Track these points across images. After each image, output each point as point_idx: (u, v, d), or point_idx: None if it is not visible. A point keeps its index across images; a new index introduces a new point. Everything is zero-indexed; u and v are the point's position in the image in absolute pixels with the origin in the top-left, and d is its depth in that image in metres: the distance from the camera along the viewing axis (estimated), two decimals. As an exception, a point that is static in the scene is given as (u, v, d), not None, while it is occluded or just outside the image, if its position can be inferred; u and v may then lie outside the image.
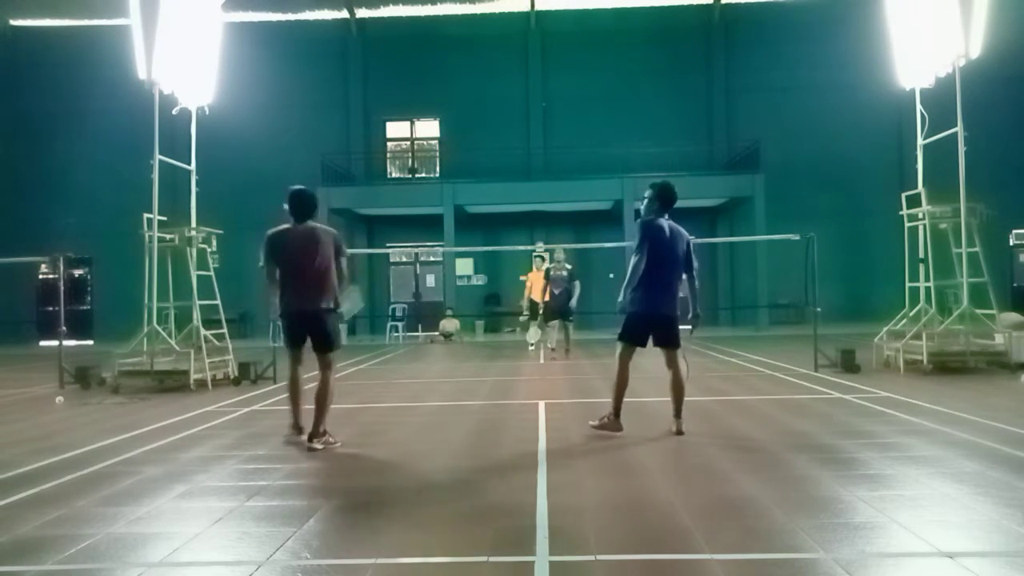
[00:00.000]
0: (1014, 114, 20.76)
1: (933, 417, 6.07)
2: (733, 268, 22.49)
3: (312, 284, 5.30)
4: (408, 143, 24.14)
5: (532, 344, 14.15)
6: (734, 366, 10.88)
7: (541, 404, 7.33)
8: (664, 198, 5.62)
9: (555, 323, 12.84)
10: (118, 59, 13.02)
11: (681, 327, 5.73)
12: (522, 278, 14.72)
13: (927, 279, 10.02)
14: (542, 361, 12.30)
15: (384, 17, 23.61)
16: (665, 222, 5.57)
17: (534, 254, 14.79)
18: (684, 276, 5.67)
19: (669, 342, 5.67)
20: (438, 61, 23.04)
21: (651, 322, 5.58)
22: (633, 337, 5.64)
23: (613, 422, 5.62)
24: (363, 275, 23.47)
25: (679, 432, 5.55)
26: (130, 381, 9.27)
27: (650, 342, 5.73)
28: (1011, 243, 22.11)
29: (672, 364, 5.70)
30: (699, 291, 5.80)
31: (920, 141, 10.30)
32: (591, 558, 3.01)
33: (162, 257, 9.66)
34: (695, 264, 5.70)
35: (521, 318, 14.76)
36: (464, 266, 22.76)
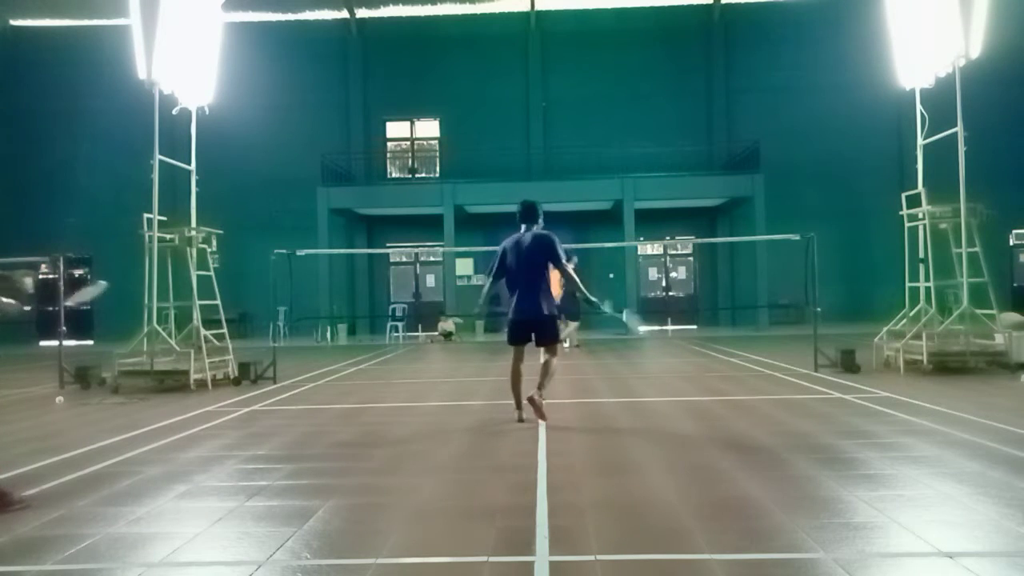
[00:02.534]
0: (1014, 114, 20.76)
1: (933, 417, 6.07)
2: (733, 268, 22.49)
3: None
4: (408, 143, 24.14)
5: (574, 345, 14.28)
6: (734, 366, 10.88)
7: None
8: (522, 214, 6.31)
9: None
10: (118, 59, 13.02)
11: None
12: None
13: (927, 279, 10.01)
14: (542, 360, 12.28)
15: (384, 17, 23.61)
16: (522, 234, 6.23)
17: None
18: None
19: (542, 340, 6.25)
20: (438, 61, 23.04)
21: (525, 326, 6.19)
22: (511, 340, 6.28)
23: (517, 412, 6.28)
24: (363, 275, 23.51)
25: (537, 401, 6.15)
26: (130, 381, 9.27)
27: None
28: (1011, 243, 22.11)
29: (548, 355, 6.31)
30: (578, 282, 6.46)
31: (920, 141, 10.30)
32: (591, 558, 3.01)
33: (162, 257, 9.66)
34: (563, 259, 6.19)
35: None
36: (464, 266, 22.75)
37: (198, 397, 8.45)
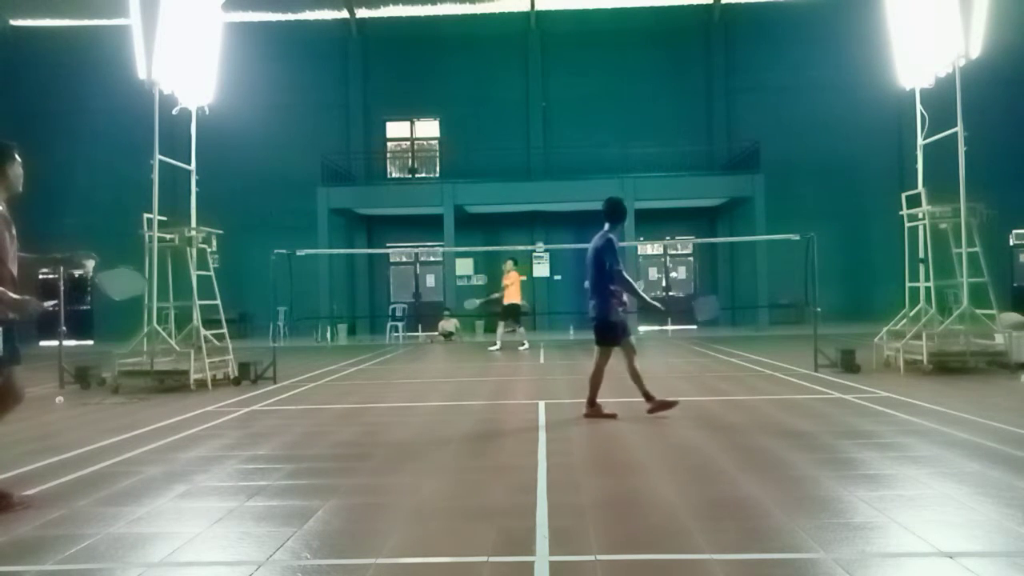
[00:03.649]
0: (1014, 114, 20.75)
1: (933, 417, 6.07)
2: (733, 268, 22.49)
3: None
4: (408, 143, 24.14)
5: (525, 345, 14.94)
6: (734, 366, 10.88)
7: (541, 404, 7.33)
8: (606, 213, 6.42)
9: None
10: (118, 59, 13.03)
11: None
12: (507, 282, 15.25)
13: (927, 279, 10.01)
14: (542, 361, 12.30)
15: (384, 17, 23.61)
16: (596, 236, 6.38)
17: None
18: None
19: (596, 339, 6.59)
20: (438, 61, 23.04)
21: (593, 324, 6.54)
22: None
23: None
24: (363, 275, 23.51)
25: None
26: (130, 381, 9.27)
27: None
28: (1011, 243, 22.10)
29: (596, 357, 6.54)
30: (633, 287, 6.45)
31: (920, 141, 10.29)
32: (591, 558, 3.01)
33: (162, 257, 9.66)
34: (606, 264, 6.22)
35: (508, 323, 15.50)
36: (464, 266, 22.75)
37: (198, 397, 8.45)
